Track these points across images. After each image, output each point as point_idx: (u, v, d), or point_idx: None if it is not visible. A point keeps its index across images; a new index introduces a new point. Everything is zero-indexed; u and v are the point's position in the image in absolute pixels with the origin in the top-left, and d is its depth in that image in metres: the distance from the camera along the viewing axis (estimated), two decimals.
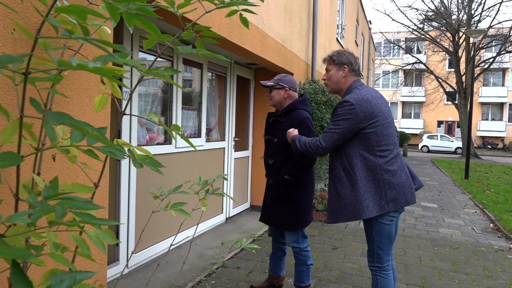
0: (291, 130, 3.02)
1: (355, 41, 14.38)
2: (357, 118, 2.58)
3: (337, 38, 10.48)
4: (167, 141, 4.47)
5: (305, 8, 7.21)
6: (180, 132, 1.48)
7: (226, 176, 2.45)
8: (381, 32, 26.06)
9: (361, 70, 3.14)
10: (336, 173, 2.71)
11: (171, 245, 2.31)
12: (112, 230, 3.76)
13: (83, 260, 2.29)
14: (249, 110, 6.65)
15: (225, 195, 1.98)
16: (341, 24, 11.37)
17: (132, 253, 2.16)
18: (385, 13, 26.39)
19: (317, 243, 5.25)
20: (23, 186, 1.18)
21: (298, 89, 6.70)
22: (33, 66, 1.19)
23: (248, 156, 6.65)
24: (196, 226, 4.21)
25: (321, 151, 2.69)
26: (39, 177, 1.68)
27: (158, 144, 4.35)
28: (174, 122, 4.47)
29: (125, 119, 3.68)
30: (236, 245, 2.25)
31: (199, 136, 5.08)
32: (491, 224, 6.82)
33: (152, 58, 4.34)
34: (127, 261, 3.80)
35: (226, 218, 5.99)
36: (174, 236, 4.59)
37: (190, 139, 4.86)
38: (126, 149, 1.64)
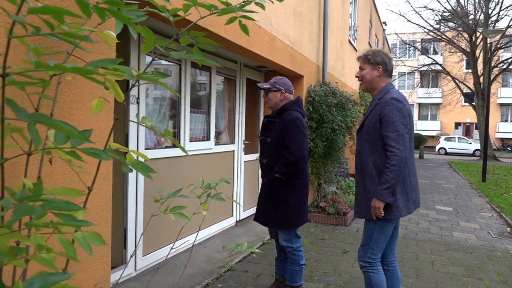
0: (374, 204, 2.69)
1: (369, 42, 14.26)
2: (409, 116, 2.68)
3: (349, 40, 10.41)
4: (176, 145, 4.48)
5: (316, 10, 7.17)
6: (171, 137, 1.47)
7: (229, 180, 2.44)
8: (396, 34, 25.79)
9: (393, 71, 3.17)
10: (369, 170, 2.74)
11: (171, 248, 2.31)
12: (120, 234, 3.79)
13: (84, 263, 2.30)
14: (259, 113, 6.64)
15: (228, 198, 1.97)
16: (353, 26, 11.29)
17: (131, 256, 2.17)
18: (400, 14, 26.13)
19: (327, 246, 5.19)
20: (6, 189, 1.19)
21: (308, 91, 6.69)
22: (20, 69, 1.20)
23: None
24: (197, 231, 4.21)
25: (403, 157, 2.59)
26: (39, 181, 1.69)
27: (166, 147, 4.37)
28: (182, 126, 4.49)
29: (133, 123, 3.71)
30: (237, 249, 2.24)
31: (208, 139, 5.09)
32: (508, 228, 6.65)
33: (164, 62, 4.37)
34: (135, 264, 3.82)
35: (236, 221, 5.98)
36: (182, 239, 4.60)
37: (199, 143, 4.87)
38: (131, 153, 1.64)
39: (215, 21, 3.68)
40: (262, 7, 1.80)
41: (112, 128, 1.63)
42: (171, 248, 2.12)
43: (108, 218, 2.49)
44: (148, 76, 1.35)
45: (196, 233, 4.53)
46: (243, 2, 1.73)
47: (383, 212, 2.65)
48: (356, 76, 2.91)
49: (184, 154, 4.52)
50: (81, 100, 2.25)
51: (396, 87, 41.90)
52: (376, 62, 2.78)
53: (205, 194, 2.24)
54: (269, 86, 3.35)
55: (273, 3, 1.97)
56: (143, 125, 1.57)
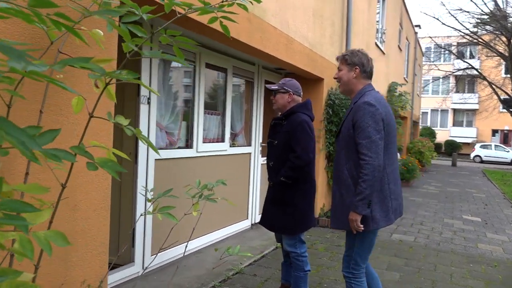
0: (351, 217, 2.57)
1: (398, 46, 13.92)
2: (383, 120, 2.54)
3: (376, 43, 10.19)
4: (189, 145, 4.50)
5: (338, 11, 7.05)
6: (142, 135, 1.45)
7: (225, 182, 2.40)
8: (430, 37, 25.07)
9: (373, 72, 3.03)
10: (343, 179, 2.64)
11: (186, 246, 2.29)
12: (129, 233, 3.82)
13: (80, 261, 2.31)
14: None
15: (222, 199, 1.94)
16: (381, 28, 11.05)
17: (118, 251, 2.16)
18: (434, 17, 25.41)
19: (341, 253, 5.05)
20: None
21: (329, 94, 6.57)
22: None
23: None
24: (189, 233, 4.19)
25: (376, 165, 2.45)
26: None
27: (179, 147, 4.39)
28: (195, 127, 4.50)
29: (144, 122, 3.74)
30: (228, 252, 2.20)
31: (222, 141, 5.08)
32: None
33: (177, 64, 4.39)
34: (143, 263, 3.84)
35: (252, 224, 5.94)
36: (193, 240, 4.60)
37: (213, 144, 4.86)
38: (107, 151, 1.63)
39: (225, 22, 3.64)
40: (245, 8, 1.76)
41: (87, 125, 1.62)
42: (186, 246, 2.11)
43: (105, 216, 2.50)
44: (117, 75, 1.33)
45: (187, 238, 4.52)
46: (222, 2, 1.70)
47: (361, 226, 2.52)
48: (334, 78, 2.83)
49: (197, 155, 4.52)
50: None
51: (430, 93, 40.57)
52: (353, 63, 2.68)
53: (197, 195, 2.21)
54: (277, 87, 3.32)
55: (252, 4, 1.91)
56: (116, 123, 1.55)
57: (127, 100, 3.80)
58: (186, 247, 3.55)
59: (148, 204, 3.81)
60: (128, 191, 3.79)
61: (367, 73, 2.72)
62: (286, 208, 3.20)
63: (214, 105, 5.02)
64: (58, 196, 1.52)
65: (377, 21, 10.58)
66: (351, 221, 2.54)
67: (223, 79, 5.09)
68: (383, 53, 11.20)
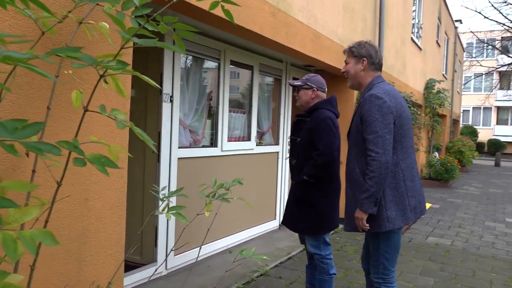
0: (357, 215, 2.47)
1: (437, 41, 13.36)
2: (393, 113, 2.40)
3: (412, 38, 9.80)
4: (214, 144, 4.44)
5: (370, 5, 6.80)
6: (137, 129, 1.36)
7: (241, 181, 2.30)
8: (471, 32, 23.99)
9: (382, 63, 2.88)
10: (355, 178, 2.52)
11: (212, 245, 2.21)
12: (152, 232, 3.80)
13: (94, 261, 2.28)
14: None
15: (240, 200, 1.85)
16: (417, 23, 10.62)
17: (141, 250, 2.10)
18: (476, 11, 24.30)
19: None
20: None
21: None
22: None
23: None
24: (215, 233, 4.11)
25: (384, 162, 2.31)
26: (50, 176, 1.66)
27: (203, 146, 4.34)
28: (220, 125, 4.43)
29: (166, 121, 3.70)
30: (242, 254, 2.10)
31: (248, 139, 4.98)
32: None
33: (202, 61, 4.33)
34: (166, 263, 3.81)
35: (279, 225, 5.81)
36: (219, 240, 4.53)
37: (238, 143, 4.78)
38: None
39: (250, 17, 3.56)
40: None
41: (81, 121, 1.56)
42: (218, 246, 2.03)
43: (121, 215, 2.46)
44: (106, 65, 1.25)
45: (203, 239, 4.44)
46: None
47: (367, 225, 2.39)
48: (342, 72, 2.71)
49: (222, 154, 4.45)
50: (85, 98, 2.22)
51: (472, 89, 38.87)
52: (361, 55, 2.55)
53: (211, 195, 2.12)
54: (300, 83, 3.20)
55: None
56: (109, 116, 1.48)
57: (150, 99, 3.78)
58: (200, 249, 3.46)
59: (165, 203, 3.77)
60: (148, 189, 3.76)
61: (376, 65, 2.58)
62: (309, 208, 3.08)
63: (240, 103, 4.94)
64: (54, 194, 1.46)
65: (413, 15, 10.18)
66: (356, 219, 2.43)
67: (249, 76, 4.99)
68: (420, 49, 10.77)
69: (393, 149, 2.41)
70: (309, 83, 3.15)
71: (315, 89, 3.15)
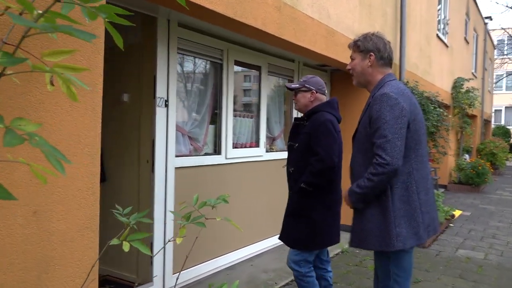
0: (345, 193, 2.35)
1: (465, 38, 12.66)
2: (406, 116, 2.09)
3: (437, 35, 9.23)
4: (217, 151, 4.10)
5: (391, 0, 6.35)
6: (38, 137, 1.02)
7: (227, 198, 1.94)
8: (502, 28, 22.93)
9: (392, 58, 2.48)
10: None
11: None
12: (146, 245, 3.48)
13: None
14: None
15: (227, 221, 1.52)
16: (443, 19, 10.03)
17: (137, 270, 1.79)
18: (507, 6, 23.21)
19: None
20: None
21: None
22: None
23: None
24: (220, 248, 3.76)
25: (391, 169, 2.02)
26: None
27: (206, 154, 4.01)
28: (224, 131, 4.09)
29: (161, 127, 3.39)
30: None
31: (257, 145, 4.62)
32: None
33: (203, 62, 4.01)
34: (163, 283, 3.48)
35: None
36: (225, 255, 4.19)
37: (245, 149, 4.43)
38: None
39: (248, 11, 3.21)
40: None
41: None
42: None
43: (93, 238, 2.14)
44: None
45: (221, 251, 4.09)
46: None
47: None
48: (347, 69, 2.42)
49: (226, 162, 4.11)
50: (53, 101, 1.93)
51: (504, 88, 37.59)
52: (367, 49, 2.26)
53: (183, 218, 1.78)
54: (298, 85, 2.95)
55: None
56: (7, 127, 1.14)
57: (144, 104, 3.47)
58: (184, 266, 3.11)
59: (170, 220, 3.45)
60: (145, 203, 3.46)
61: (385, 60, 2.28)
62: (301, 220, 2.79)
63: (247, 107, 4.59)
64: None
65: (439, 11, 9.61)
66: (345, 198, 2.31)
67: (256, 78, 4.64)
68: (446, 46, 10.17)
69: (406, 157, 2.10)
70: (307, 85, 2.91)
71: (314, 91, 2.89)
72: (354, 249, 5.21)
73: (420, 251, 5.23)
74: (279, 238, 3.00)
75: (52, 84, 1.60)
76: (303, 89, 2.90)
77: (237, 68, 4.32)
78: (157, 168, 3.38)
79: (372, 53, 2.26)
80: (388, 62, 2.29)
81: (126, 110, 3.61)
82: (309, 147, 2.74)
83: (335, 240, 2.89)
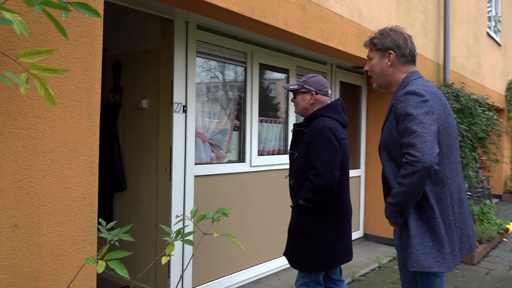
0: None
1: None
2: (435, 114, 1.82)
3: (488, 33, 8.59)
4: (241, 158, 3.92)
5: None
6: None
7: (227, 212, 1.73)
8: None
9: (415, 54, 2.14)
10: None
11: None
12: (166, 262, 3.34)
13: None
14: (360, 122, 5.68)
15: (228, 236, 1.35)
16: (494, 15, 9.34)
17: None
18: None
19: None
20: None
21: None
22: None
23: (360, 176, 5.65)
24: (244, 260, 3.53)
25: (422, 167, 1.69)
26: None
27: (229, 162, 3.83)
28: (248, 137, 3.90)
29: (178, 134, 3.25)
30: None
31: (285, 153, 4.39)
32: None
33: (224, 65, 3.85)
34: None
35: None
36: (251, 267, 3.98)
37: (272, 157, 4.21)
38: None
39: (267, 9, 3.01)
40: None
41: None
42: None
43: (90, 252, 2.01)
44: None
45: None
46: None
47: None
48: (365, 70, 2.17)
49: (251, 170, 3.91)
50: (44, 106, 1.82)
51: None
52: (386, 47, 2.01)
53: (173, 235, 1.59)
54: (296, 86, 2.64)
55: None
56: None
57: (162, 110, 3.36)
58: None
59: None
60: (164, 213, 3.33)
61: (407, 57, 2.01)
62: (303, 238, 2.50)
63: (274, 112, 4.38)
64: None
65: (489, 7, 8.95)
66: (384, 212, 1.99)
67: (284, 81, 4.43)
68: (499, 45, 9.45)
69: (443, 164, 1.85)
70: (307, 86, 2.59)
71: (314, 92, 2.57)
72: (394, 264, 4.83)
73: (468, 269, 4.76)
74: (284, 255, 2.71)
75: (26, 88, 1.47)
76: (302, 90, 2.60)
77: (263, 72, 4.12)
78: (175, 176, 3.24)
79: (391, 51, 2.00)
80: (411, 59, 2.02)
81: (145, 117, 3.52)
82: (309, 158, 2.44)
83: (344, 259, 2.58)
